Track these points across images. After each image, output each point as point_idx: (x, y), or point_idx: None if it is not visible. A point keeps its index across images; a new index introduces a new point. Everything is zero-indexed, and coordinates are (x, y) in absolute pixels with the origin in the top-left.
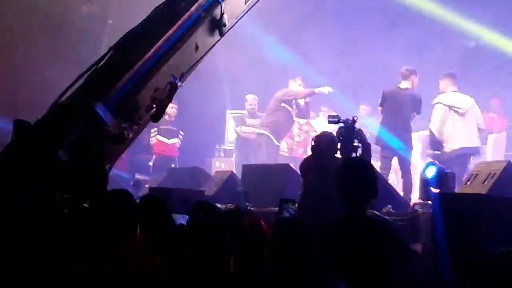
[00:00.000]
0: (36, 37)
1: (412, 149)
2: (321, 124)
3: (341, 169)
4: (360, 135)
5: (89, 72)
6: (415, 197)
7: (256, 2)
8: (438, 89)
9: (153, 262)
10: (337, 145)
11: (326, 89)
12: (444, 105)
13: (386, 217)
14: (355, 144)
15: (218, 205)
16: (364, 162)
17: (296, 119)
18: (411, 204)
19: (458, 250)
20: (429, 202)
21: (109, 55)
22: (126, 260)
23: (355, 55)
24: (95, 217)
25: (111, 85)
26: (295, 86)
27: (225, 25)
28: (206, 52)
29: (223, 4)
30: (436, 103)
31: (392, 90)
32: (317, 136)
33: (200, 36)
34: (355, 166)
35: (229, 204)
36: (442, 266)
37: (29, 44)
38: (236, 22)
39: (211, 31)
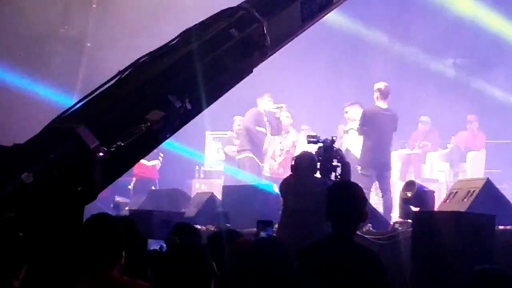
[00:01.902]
0: (15, 59)
1: (391, 168)
2: (302, 144)
3: (332, 192)
4: (339, 155)
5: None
6: (395, 216)
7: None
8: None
9: (139, 285)
10: (316, 165)
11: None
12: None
13: (367, 236)
14: (334, 163)
15: (198, 227)
16: (354, 185)
17: (273, 137)
18: (391, 223)
19: (437, 268)
20: (409, 220)
21: (116, 78)
22: (112, 285)
23: (335, 74)
24: (74, 243)
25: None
26: (264, 104)
27: (266, 47)
28: (240, 75)
29: (265, 24)
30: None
31: (373, 110)
32: (297, 156)
33: (228, 57)
34: (346, 189)
35: (210, 226)
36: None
37: (6, 67)
38: (285, 44)
39: (245, 53)
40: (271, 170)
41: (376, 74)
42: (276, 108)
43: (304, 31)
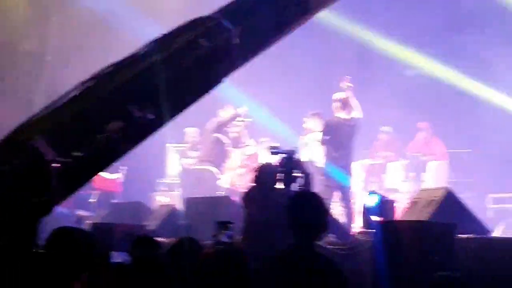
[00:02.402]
0: None
1: (352, 179)
2: (263, 155)
3: (293, 202)
4: (300, 165)
5: (51, 107)
6: (357, 226)
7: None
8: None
9: None
10: (278, 176)
11: (242, 109)
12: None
13: (329, 246)
14: (296, 174)
15: (161, 239)
16: (316, 196)
17: (233, 149)
18: (353, 233)
19: (398, 277)
20: (371, 230)
21: (77, 89)
22: None
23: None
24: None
25: (61, 118)
26: (225, 115)
27: (237, 57)
28: (210, 85)
29: (236, 33)
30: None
31: (335, 120)
32: (258, 167)
33: (196, 67)
34: (307, 199)
35: (172, 238)
36: None
37: None
38: (258, 53)
39: (215, 63)
40: (231, 182)
41: (337, 85)
42: (236, 119)
43: (279, 39)
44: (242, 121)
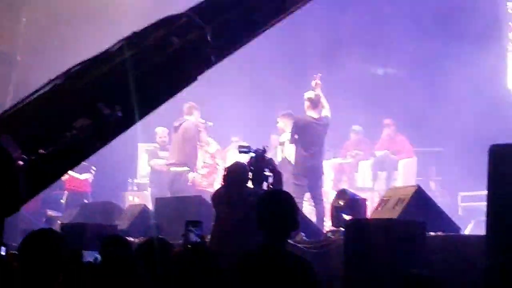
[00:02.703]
0: None
1: (323, 177)
2: (232, 155)
3: (262, 201)
4: (271, 164)
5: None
6: (328, 224)
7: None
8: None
9: None
10: (248, 175)
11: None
12: None
13: (299, 245)
14: (266, 173)
15: (131, 239)
16: (286, 194)
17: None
18: (324, 231)
19: (369, 275)
20: (342, 229)
21: (46, 86)
22: None
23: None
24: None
25: (29, 115)
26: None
27: (210, 54)
28: (181, 84)
29: (208, 31)
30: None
31: (305, 119)
32: (228, 166)
33: (167, 65)
34: (276, 197)
35: (142, 238)
36: None
37: None
38: (234, 50)
39: (186, 61)
40: (195, 183)
41: (308, 84)
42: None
43: (256, 37)
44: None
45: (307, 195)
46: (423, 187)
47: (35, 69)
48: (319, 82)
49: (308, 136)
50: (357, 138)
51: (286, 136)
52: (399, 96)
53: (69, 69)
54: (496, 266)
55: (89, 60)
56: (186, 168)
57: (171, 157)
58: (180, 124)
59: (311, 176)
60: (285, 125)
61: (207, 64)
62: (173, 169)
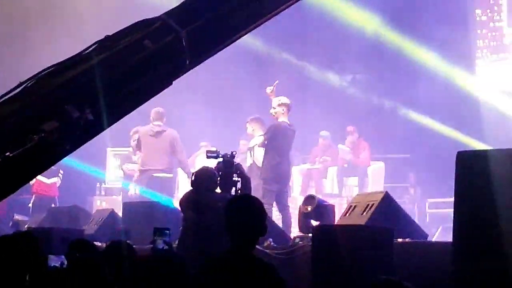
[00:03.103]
0: None
1: (292, 183)
2: (201, 160)
3: (230, 206)
4: (239, 169)
5: None
6: (295, 230)
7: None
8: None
9: None
10: (216, 180)
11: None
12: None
13: (267, 250)
14: (235, 178)
15: (99, 244)
16: (255, 199)
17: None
18: (292, 237)
19: (336, 281)
20: (309, 235)
21: (16, 89)
22: None
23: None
24: None
25: None
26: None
27: (185, 58)
28: (155, 88)
29: (184, 35)
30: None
31: (281, 125)
32: (196, 171)
33: (139, 69)
34: (245, 203)
35: (109, 242)
36: None
37: None
38: (212, 54)
39: (160, 65)
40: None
41: (276, 88)
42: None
43: (232, 42)
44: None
45: (275, 201)
46: (391, 193)
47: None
48: (274, 89)
49: (282, 142)
50: (325, 143)
51: (256, 140)
52: (366, 101)
53: (40, 72)
54: (463, 272)
55: (60, 62)
56: (171, 175)
57: (155, 163)
58: (164, 131)
59: (281, 182)
60: (254, 130)
61: (182, 68)
62: (159, 175)
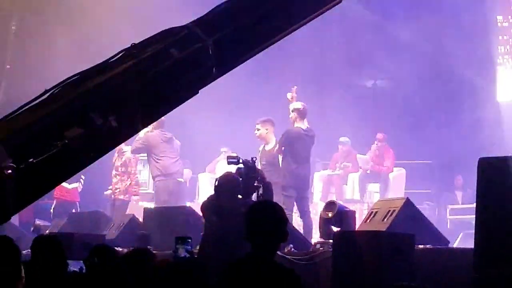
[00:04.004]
0: None
1: (310, 188)
2: (222, 166)
3: (252, 212)
4: (260, 175)
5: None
6: (316, 236)
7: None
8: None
9: None
10: (239, 186)
11: None
12: None
13: (288, 256)
14: (256, 184)
15: (119, 249)
16: (276, 205)
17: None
18: (313, 243)
19: (357, 287)
20: (330, 241)
21: (41, 96)
22: None
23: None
24: None
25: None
26: None
27: (211, 67)
28: (181, 96)
29: (210, 43)
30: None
31: (296, 131)
32: (220, 177)
33: (166, 77)
34: (267, 209)
35: (131, 248)
36: None
37: None
38: (239, 63)
39: (186, 73)
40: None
41: (297, 95)
42: None
43: (260, 51)
44: None
45: (296, 207)
46: (412, 199)
47: (25, 78)
48: (295, 95)
49: (297, 148)
50: (344, 149)
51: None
52: (388, 108)
53: (66, 79)
54: (485, 279)
55: (87, 70)
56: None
57: (176, 168)
58: (172, 137)
59: (300, 187)
60: (268, 130)
61: (209, 77)
62: (181, 179)
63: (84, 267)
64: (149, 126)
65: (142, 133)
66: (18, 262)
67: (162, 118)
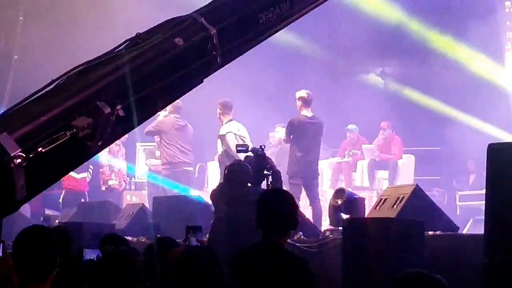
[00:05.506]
0: None
1: (318, 177)
2: None
3: (262, 200)
4: (269, 163)
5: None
6: (325, 224)
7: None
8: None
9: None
10: (250, 174)
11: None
12: (235, 134)
13: (298, 244)
14: (265, 172)
15: (129, 238)
16: (286, 193)
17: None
18: (322, 230)
19: (367, 274)
20: (340, 228)
21: (48, 86)
22: None
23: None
24: None
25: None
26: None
27: (216, 56)
28: (187, 85)
29: (214, 33)
30: (227, 132)
31: (300, 119)
32: (230, 165)
33: (171, 66)
34: (277, 196)
35: (141, 237)
36: None
37: None
38: (241, 53)
39: (191, 62)
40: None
41: (306, 83)
42: None
43: (263, 40)
44: None
45: (305, 194)
46: (421, 186)
47: (33, 68)
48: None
49: (302, 136)
50: (352, 137)
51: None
52: (395, 94)
53: (72, 69)
54: (495, 264)
55: (93, 59)
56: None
57: (184, 156)
58: (186, 125)
59: (306, 175)
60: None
61: (214, 66)
62: (188, 168)
63: (99, 256)
64: (165, 109)
65: (161, 115)
66: (54, 255)
67: (179, 103)
